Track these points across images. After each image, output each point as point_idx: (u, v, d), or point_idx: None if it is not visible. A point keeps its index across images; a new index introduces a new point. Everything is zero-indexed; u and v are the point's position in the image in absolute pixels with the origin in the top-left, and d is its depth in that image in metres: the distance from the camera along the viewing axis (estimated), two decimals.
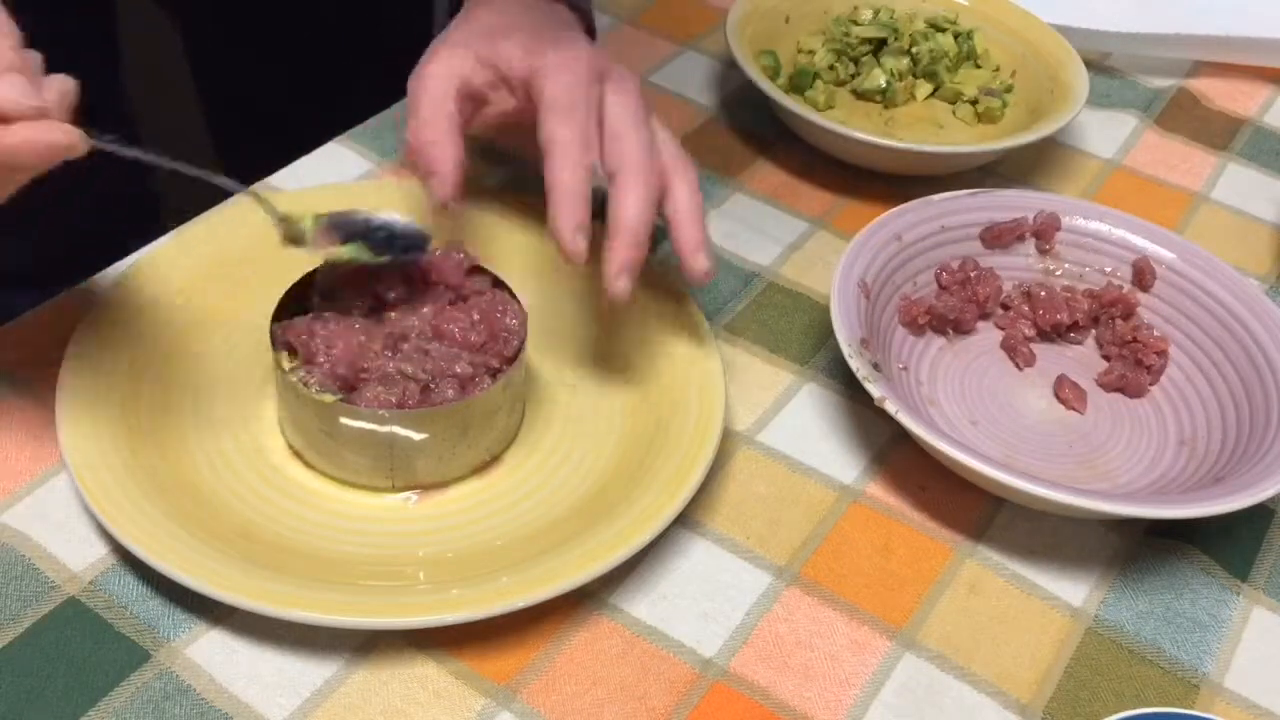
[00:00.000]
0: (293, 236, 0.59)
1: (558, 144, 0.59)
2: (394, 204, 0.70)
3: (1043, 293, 0.71)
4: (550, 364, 0.66)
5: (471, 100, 0.65)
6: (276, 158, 0.78)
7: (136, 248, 0.69)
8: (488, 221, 0.71)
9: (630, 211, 0.59)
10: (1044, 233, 0.72)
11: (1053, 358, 0.71)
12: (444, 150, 0.62)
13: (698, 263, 0.61)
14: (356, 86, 0.89)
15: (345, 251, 0.59)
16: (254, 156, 0.79)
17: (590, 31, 0.72)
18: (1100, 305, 0.71)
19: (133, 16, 1.00)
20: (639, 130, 0.61)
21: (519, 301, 0.61)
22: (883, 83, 0.86)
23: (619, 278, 0.59)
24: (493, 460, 0.61)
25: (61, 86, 0.50)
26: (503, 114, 0.66)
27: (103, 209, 0.89)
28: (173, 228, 0.70)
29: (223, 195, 0.67)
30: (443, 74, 0.64)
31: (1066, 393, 0.68)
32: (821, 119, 0.78)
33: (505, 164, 0.79)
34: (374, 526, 0.58)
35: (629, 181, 0.59)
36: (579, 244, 0.58)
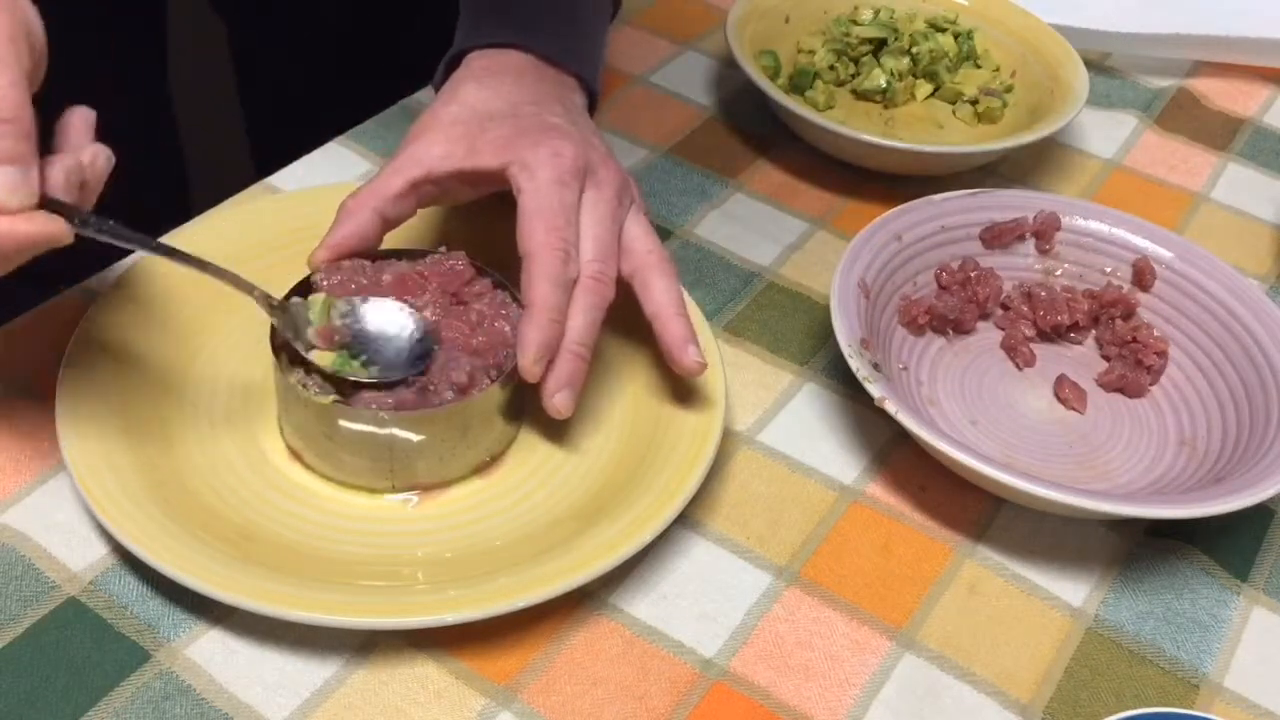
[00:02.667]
0: (288, 325, 0.57)
1: (536, 259, 0.57)
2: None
3: (1043, 293, 0.71)
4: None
5: (437, 186, 0.62)
6: (305, 146, 0.78)
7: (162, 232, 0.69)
8: (489, 222, 0.71)
9: (575, 323, 0.58)
10: (1044, 233, 0.72)
11: (1053, 358, 0.71)
12: (347, 224, 0.60)
13: (688, 358, 0.60)
14: (365, 85, 0.89)
15: (330, 359, 0.57)
16: (283, 142, 0.80)
17: (593, 100, 0.70)
18: (1100, 305, 0.71)
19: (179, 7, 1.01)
20: (598, 236, 0.59)
21: (520, 303, 0.61)
22: (883, 83, 0.86)
23: (557, 392, 0.57)
24: (493, 460, 0.61)
25: (66, 164, 0.50)
26: (468, 198, 0.65)
27: (132, 196, 0.91)
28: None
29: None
30: (411, 159, 0.61)
31: (1066, 393, 0.68)
32: (821, 119, 0.78)
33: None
34: (374, 527, 0.58)
35: (579, 290, 0.58)
36: (537, 369, 0.57)
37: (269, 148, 0.80)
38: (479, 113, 0.63)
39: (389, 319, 0.59)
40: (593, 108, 0.70)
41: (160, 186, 0.99)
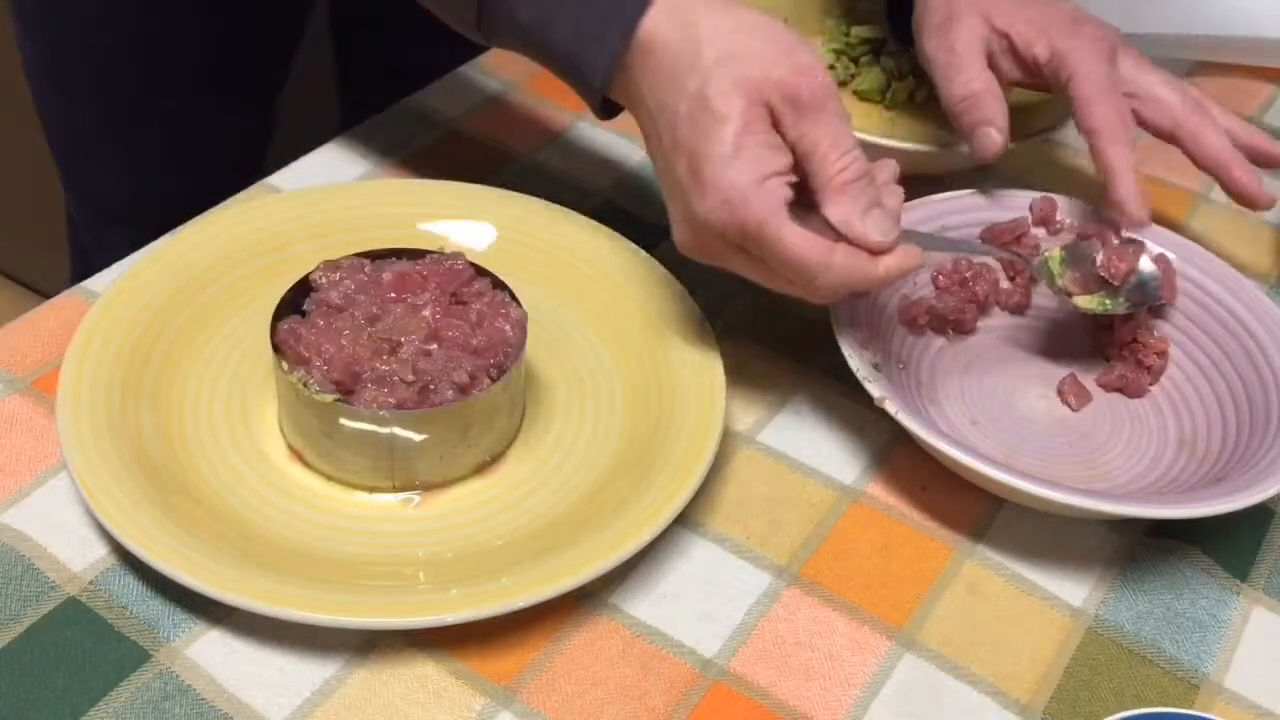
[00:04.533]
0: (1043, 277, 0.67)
1: (1104, 128, 0.67)
2: (393, 204, 0.70)
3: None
4: (550, 364, 0.66)
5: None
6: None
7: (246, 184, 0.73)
8: (489, 223, 0.71)
9: (1220, 141, 0.70)
10: (1046, 219, 0.72)
11: (1054, 358, 0.71)
12: (993, 102, 0.69)
13: (1263, 198, 0.71)
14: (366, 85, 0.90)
15: (1094, 302, 0.66)
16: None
17: None
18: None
19: None
20: (1170, 89, 0.71)
21: (519, 303, 0.61)
22: (883, 83, 0.86)
23: (1260, 195, 0.70)
24: (493, 460, 0.61)
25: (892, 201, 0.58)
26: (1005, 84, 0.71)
27: (212, 146, 0.95)
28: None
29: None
30: (974, 38, 0.70)
31: (1067, 393, 0.68)
32: None
33: (507, 164, 0.79)
34: (374, 526, 0.58)
35: (1201, 123, 0.70)
36: (1142, 212, 0.67)
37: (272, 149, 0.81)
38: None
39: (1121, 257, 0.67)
40: None
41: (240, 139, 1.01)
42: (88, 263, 0.73)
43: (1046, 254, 0.69)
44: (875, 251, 0.56)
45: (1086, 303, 0.67)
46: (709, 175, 0.55)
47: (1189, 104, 0.71)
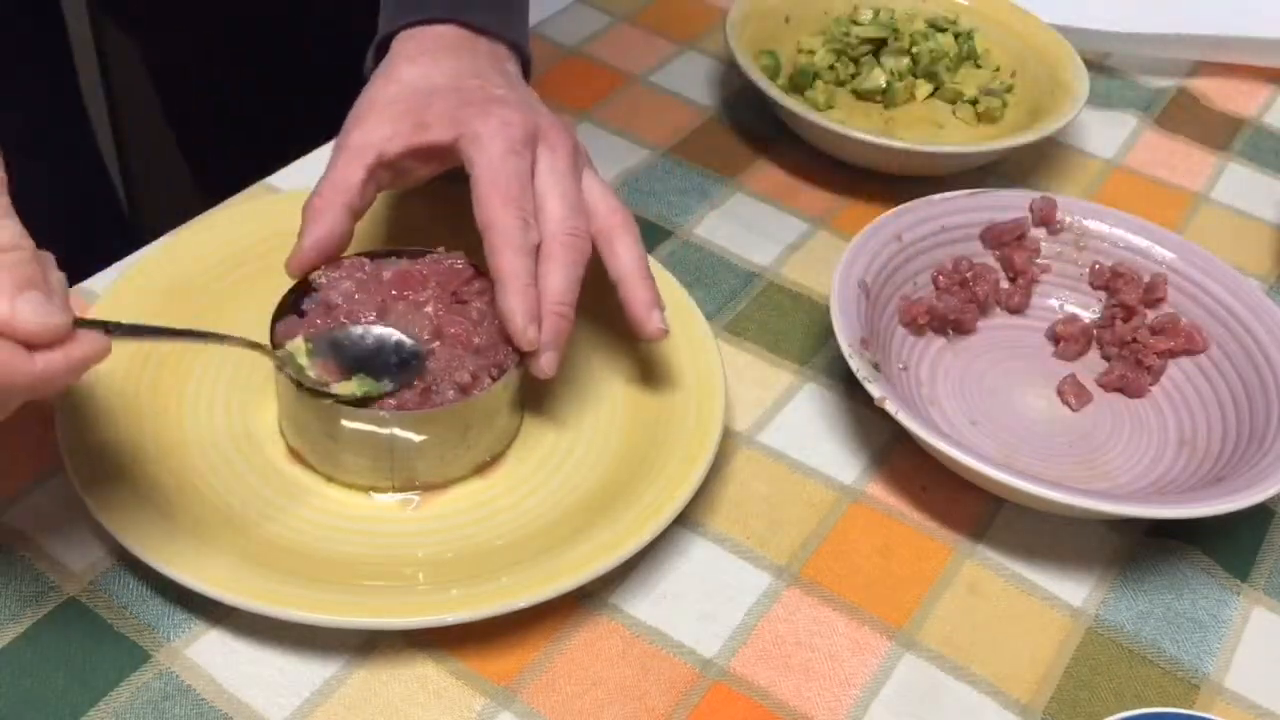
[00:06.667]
0: (293, 373, 0.57)
1: (496, 229, 0.57)
2: (394, 203, 0.70)
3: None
4: None
5: (391, 169, 0.61)
6: (249, 167, 0.77)
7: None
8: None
9: (554, 283, 0.57)
10: (1046, 218, 0.72)
11: (1054, 357, 0.71)
12: (319, 225, 0.59)
13: (652, 322, 0.59)
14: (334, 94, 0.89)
15: (352, 387, 0.57)
16: (224, 169, 0.79)
17: (525, 65, 0.69)
18: (1112, 277, 0.71)
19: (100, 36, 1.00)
20: (564, 195, 0.59)
21: None
22: (883, 83, 0.86)
23: (544, 354, 0.57)
24: (493, 460, 0.61)
25: (57, 273, 0.46)
26: (423, 178, 0.64)
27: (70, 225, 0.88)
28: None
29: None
30: (359, 146, 0.60)
31: (1067, 393, 0.68)
32: (821, 119, 0.78)
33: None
34: (374, 526, 0.58)
35: (552, 251, 0.57)
36: (530, 333, 0.56)
37: (267, 149, 0.80)
38: (419, 89, 0.62)
39: (370, 337, 0.59)
40: (527, 74, 0.69)
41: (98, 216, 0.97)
42: None
43: (290, 346, 0.58)
44: (35, 343, 0.44)
45: (345, 388, 0.57)
46: None
47: (564, 226, 0.59)
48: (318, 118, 0.80)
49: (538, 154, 0.60)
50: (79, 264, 0.66)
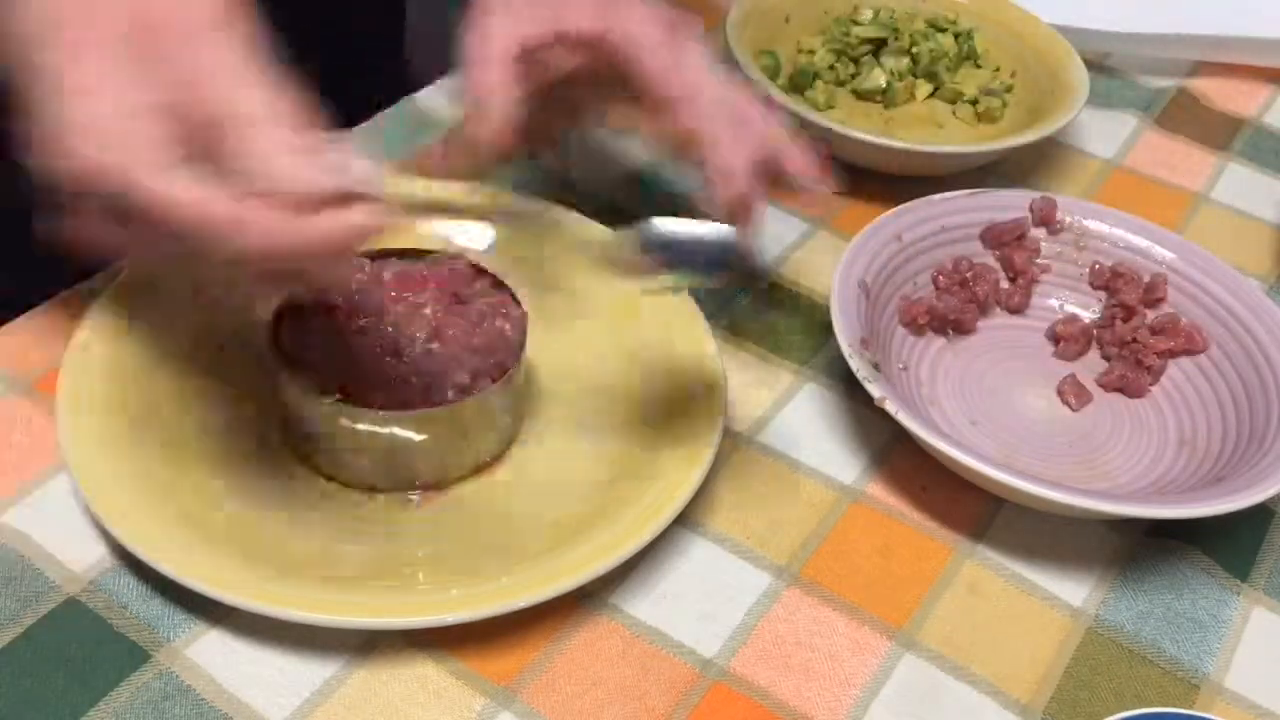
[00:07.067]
0: (613, 263, 0.55)
1: (683, 101, 0.57)
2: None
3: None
4: (550, 364, 0.66)
5: (529, 61, 0.58)
6: None
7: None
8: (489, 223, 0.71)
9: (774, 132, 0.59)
10: (1047, 218, 0.72)
11: (1054, 358, 0.71)
12: (501, 95, 0.56)
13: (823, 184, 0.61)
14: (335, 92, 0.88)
15: (670, 280, 0.55)
16: None
17: None
18: (1112, 276, 0.71)
19: None
20: (714, 82, 0.59)
21: (520, 303, 0.61)
22: (883, 83, 0.86)
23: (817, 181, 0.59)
24: (493, 460, 0.61)
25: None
26: (558, 75, 0.61)
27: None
28: None
29: None
30: (503, 32, 0.58)
31: (1067, 393, 0.68)
32: (821, 119, 0.78)
33: (509, 164, 0.79)
34: (374, 526, 0.58)
35: (751, 117, 0.59)
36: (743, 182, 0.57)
37: None
38: None
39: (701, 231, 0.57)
40: None
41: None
42: None
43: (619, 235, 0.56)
44: (308, 207, 0.43)
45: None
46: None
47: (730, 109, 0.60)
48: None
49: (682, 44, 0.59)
50: None
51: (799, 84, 0.85)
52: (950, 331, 0.70)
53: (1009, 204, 0.73)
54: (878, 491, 0.63)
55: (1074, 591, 0.60)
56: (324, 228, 0.43)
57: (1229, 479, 0.60)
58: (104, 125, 0.43)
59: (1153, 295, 0.70)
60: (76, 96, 0.43)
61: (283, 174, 0.43)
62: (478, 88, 0.57)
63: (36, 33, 0.45)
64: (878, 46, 0.88)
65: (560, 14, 0.59)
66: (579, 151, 0.79)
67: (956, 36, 0.89)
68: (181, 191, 0.42)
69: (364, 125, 0.81)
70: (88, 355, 0.60)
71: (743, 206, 0.57)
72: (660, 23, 0.59)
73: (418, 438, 0.57)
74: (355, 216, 0.44)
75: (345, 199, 0.44)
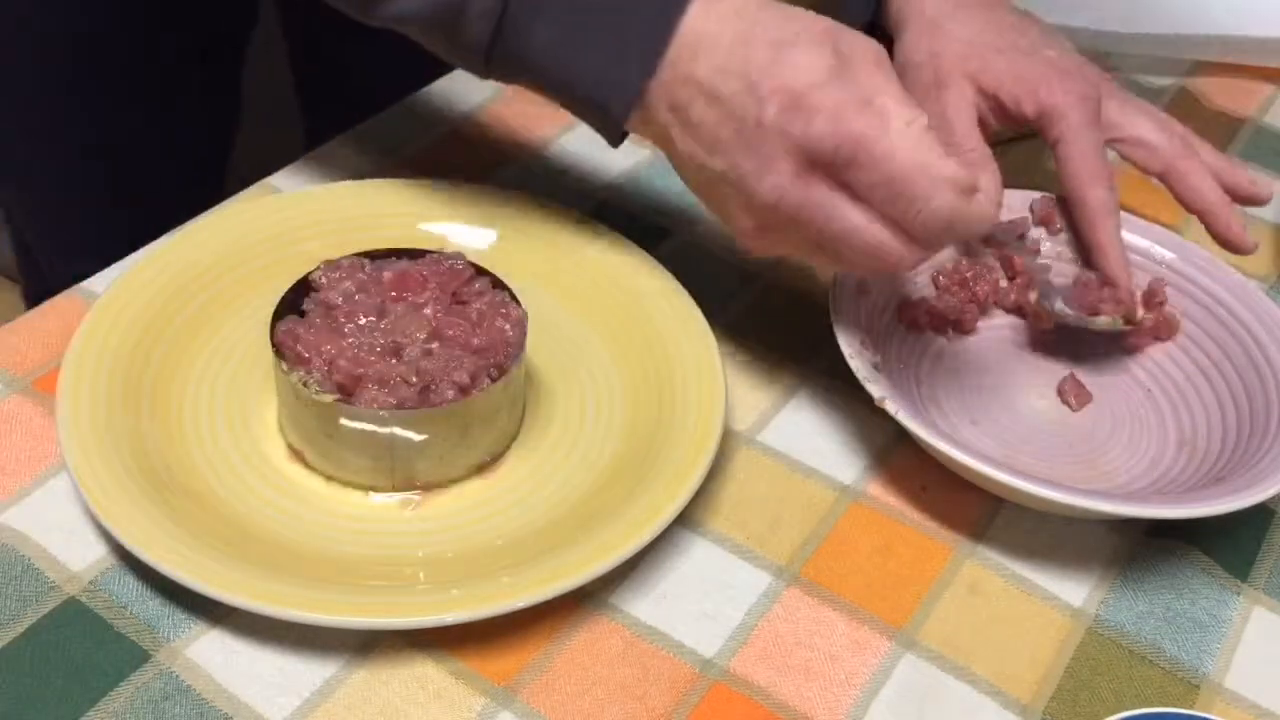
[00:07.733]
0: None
1: (1089, 205, 0.68)
2: (393, 204, 0.70)
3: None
4: (550, 364, 0.66)
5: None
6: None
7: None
8: (489, 223, 0.71)
9: (1207, 184, 0.71)
10: (1046, 218, 0.72)
11: (1054, 358, 0.71)
12: (987, 170, 0.66)
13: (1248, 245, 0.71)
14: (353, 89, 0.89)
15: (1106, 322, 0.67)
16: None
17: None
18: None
19: None
20: (1158, 130, 0.71)
21: (519, 303, 0.61)
22: None
23: (1244, 241, 0.70)
24: (493, 460, 0.61)
25: None
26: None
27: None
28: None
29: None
30: (964, 103, 0.69)
31: (1067, 393, 0.68)
32: None
33: (507, 164, 0.79)
34: (374, 526, 0.58)
35: (1190, 167, 0.71)
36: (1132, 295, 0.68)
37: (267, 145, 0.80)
38: (972, 42, 0.71)
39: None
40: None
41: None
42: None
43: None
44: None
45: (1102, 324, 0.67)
46: (815, 97, 0.54)
47: (1176, 145, 0.71)
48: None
49: (1105, 105, 0.70)
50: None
51: None
52: (950, 331, 0.70)
53: (1009, 204, 0.73)
54: (878, 491, 0.63)
55: (1074, 591, 0.60)
56: (981, 201, 0.55)
57: (1229, 479, 0.60)
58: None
59: (1153, 298, 0.70)
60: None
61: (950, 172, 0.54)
62: (967, 159, 0.67)
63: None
64: None
65: (998, 82, 0.69)
66: None
67: None
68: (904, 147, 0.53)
69: (364, 125, 0.81)
70: (87, 355, 0.60)
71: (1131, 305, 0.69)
72: (1094, 102, 0.69)
73: (418, 438, 0.57)
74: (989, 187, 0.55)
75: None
